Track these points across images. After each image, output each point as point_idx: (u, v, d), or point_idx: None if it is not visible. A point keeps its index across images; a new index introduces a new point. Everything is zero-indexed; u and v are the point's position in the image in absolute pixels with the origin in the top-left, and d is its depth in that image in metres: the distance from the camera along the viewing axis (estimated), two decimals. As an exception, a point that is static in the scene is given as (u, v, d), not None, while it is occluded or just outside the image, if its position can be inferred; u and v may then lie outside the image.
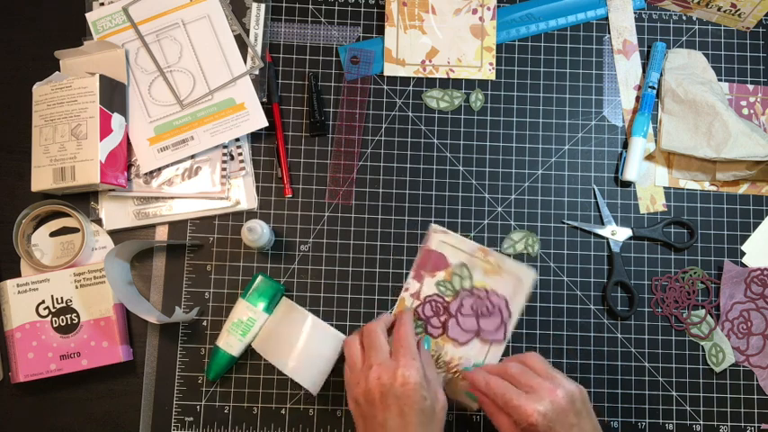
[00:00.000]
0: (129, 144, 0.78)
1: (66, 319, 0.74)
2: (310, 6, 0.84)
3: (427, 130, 0.82)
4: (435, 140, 0.82)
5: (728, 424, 0.78)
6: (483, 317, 0.77)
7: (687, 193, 0.82)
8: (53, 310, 0.75)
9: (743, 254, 0.81)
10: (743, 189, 0.82)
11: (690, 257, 0.81)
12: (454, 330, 0.77)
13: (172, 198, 0.79)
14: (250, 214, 0.80)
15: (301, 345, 0.72)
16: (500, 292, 0.77)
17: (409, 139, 0.82)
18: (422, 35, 0.83)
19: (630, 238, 0.80)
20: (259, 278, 0.76)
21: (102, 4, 0.81)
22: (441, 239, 0.79)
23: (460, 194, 0.81)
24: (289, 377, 0.76)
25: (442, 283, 0.78)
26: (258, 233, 0.73)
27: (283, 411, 0.77)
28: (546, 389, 0.64)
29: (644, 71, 0.84)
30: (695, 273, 0.80)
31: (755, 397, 0.78)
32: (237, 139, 0.80)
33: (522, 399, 0.63)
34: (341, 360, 0.73)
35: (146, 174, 0.79)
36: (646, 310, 0.80)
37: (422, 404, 0.64)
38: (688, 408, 0.78)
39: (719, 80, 0.84)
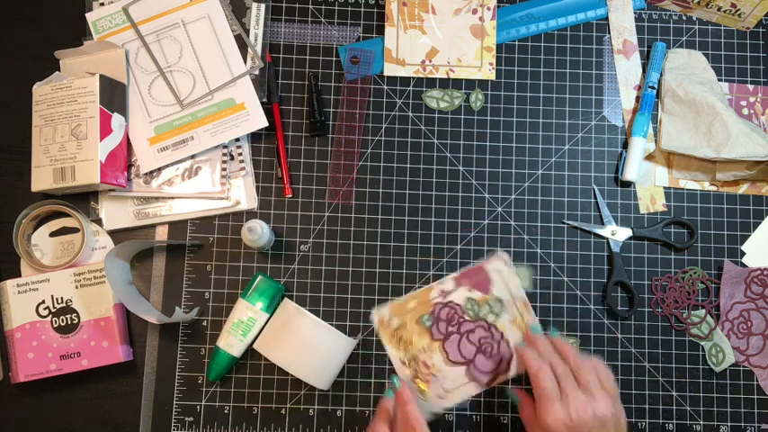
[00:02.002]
0: (129, 144, 0.78)
1: (66, 319, 0.74)
2: (310, 6, 0.84)
3: (427, 130, 0.82)
4: (435, 140, 0.82)
5: (728, 424, 0.78)
6: (482, 354, 0.76)
7: (687, 193, 0.82)
8: (53, 310, 0.74)
9: (743, 254, 0.81)
10: (743, 189, 0.82)
11: (690, 257, 0.81)
12: (452, 346, 0.77)
13: (172, 198, 0.79)
14: (250, 214, 0.80)
15: (309, 345, 0.72)
16: (511, 346, 0.77)
17: (409, 139, 0.82)
18: (422, 35, 0.83)
19: (630, 238, 0.80)
20: (259, 278, 0.76)
21: (102, 4, 0.81)
22: (498, 267, 0.78)
23: (460, 194, 0.81)
24: (290, 377, 0.77)
25: (472, 301, 0.77)
26: (258, 233, 0.73)
27: (283, 411, 0.76)
28: (580, 400, 0.64)
29: (644, 71, 0.84)
30: (695, 273, 0.80)
31: (755, 397, 0.78)
32: (237, 139, 0.80)
33: (550, 401, 0.64)
34: (348, 360, 0.73)
35: (146, 174, 0.79)
36: (646, 310, 0.80)
37: None
38: (688, 408, 0.78)
39: (719, 80, 0.84)
